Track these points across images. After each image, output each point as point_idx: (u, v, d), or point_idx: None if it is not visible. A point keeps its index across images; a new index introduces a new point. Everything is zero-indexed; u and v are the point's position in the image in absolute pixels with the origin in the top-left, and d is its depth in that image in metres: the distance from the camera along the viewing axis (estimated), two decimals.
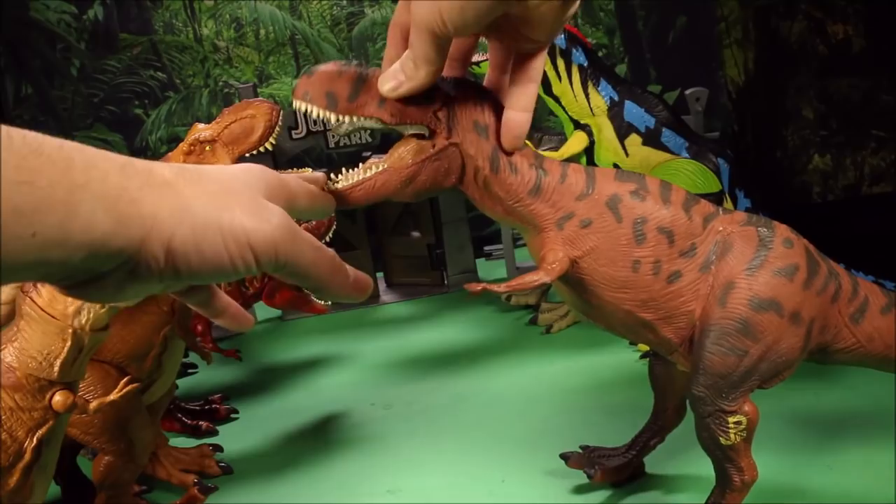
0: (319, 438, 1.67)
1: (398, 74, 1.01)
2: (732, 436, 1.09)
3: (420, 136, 1.07)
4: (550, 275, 1.07)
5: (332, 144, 2.26)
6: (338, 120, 1.05)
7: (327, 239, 1.98)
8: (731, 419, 1.09)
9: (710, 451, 1.13)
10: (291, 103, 2.36)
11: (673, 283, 1.09)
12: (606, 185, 1.10)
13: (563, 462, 1.37)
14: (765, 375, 1.10)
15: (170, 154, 1.43)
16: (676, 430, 1.32)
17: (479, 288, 1.05)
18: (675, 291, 1.10)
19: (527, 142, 1.12)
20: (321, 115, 1.06)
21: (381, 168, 1.07)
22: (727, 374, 1.08)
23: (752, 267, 1.08)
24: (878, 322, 1.14)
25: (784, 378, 1.13)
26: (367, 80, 1.05)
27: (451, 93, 1.08)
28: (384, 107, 1.04)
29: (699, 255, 1.10)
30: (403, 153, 1.07)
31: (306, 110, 1.05)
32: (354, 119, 1.05)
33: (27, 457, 1.06)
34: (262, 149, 1.43)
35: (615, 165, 1.81)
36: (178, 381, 1.66)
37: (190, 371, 2.05)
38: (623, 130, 1.81)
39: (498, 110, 1.09)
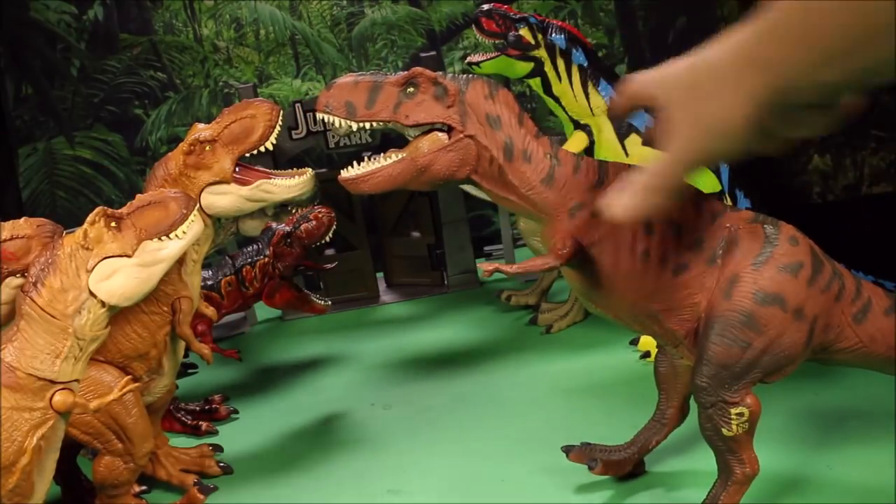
0: (319, 438, 1.67)
1: (623, 198, 0.97)
2: (734, 427, 1.11)
3: (441, 130, 1.14)
4: (560, 259, 1.11)
5: (331, 145, 2.26)
6: (360, 127, 1.13)
7: (327, 239, 1.99)
8: (733, 410, 1.10)
9: (713, 442, 1.14)
10: (291, 103, 2.37)
11: (679, 275, 1.12)
12: (618, 177, 1.13)
13: (563, 461, 1.37)
14: (767, 369, 1.11)
15: (170, 154, 1.43)
16: (678, 428, 1.32)
17: (492, 268, 1.10)
18: (682, 283, 1.12)
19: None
20: (343, 124, 1.13)
21: (398, 157, 1.14)
22: (730, 365, 1.09)
23: (757, 262, 1.10)
24: (880, 323, 1.14)
25: (786, 374, 1.14)
26: (381, 88, 1.14)
27: (463, 89, 1.14)
28: (399, 111, 1.13)
29: (706, 249, 1.12)
30: (421, 144, 1.13)
31: (329, 120, 1.13)
32: (374, 124, 1.14)
33: (27, 456, 1.06)
34: (262, 149, 1.43)
35: None
36: (178, 381, 1.66)
37: (190, 371, 2.05)
38: (623, 130, 1.81)
39: (510, 103, 1.15)
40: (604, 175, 1.14)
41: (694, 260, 1.11)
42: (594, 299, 1.19)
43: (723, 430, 1.11)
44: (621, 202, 0.97)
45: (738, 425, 1.11)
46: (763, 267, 1.09)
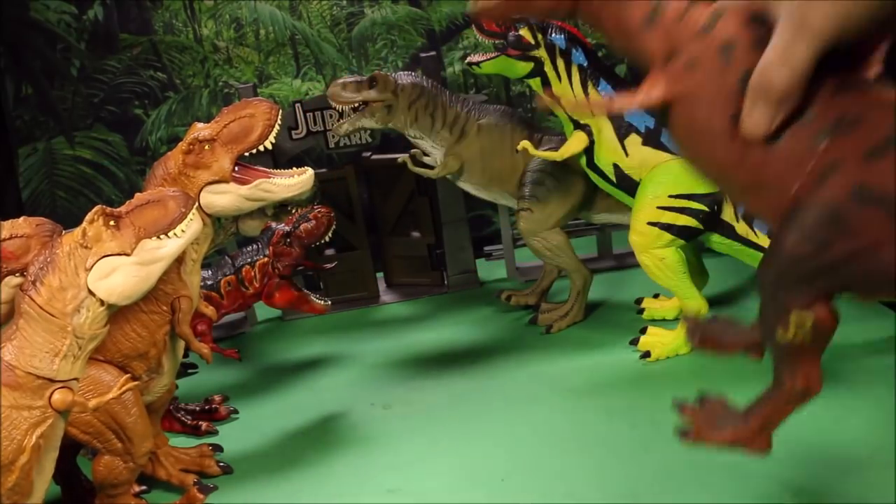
0: (319, 438, 1.67)
1: (752, 114, 0.89)
2: (792, 332, 0.93)
3: None
4: (646, 96, 0.99)
5: (331, 145, 2.26)
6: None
7: (327, 238, 1.99)
8: (792, 315, 0.93)
9: (768, 341, 0.98)
10: (291, 103, 2.36)
11: (770, 148, 0.92)
12: (729, 27, 0.97)
13: (564, 461, 1.37)
14: (850, 283, 0.91)
15: (169, 153, 1.43)
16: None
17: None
18: (772, 157, 0.92)
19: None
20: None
21: None
22: (798, 262, 0.91)
23: (874, 151, 0.87)
24: None
25: (882, 297, 0.95)
26: None
27: None
28: None
29: (812, 123, 0.91)
30: None
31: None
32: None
33: (26, 455, 1.06)
34: (261, 148, 1.43)
35: (615, 166, 1.81)
36: (178, 381, 1.66)
37: (190, 371, 2.05)
38: (623, 130, 1.81)
39: None
40: (714, 21, 0.97)
41: (793, 133, 0.92)
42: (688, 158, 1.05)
43: (777, 330, 0.94)
44: (751, 120, 0.88)
45: (796, 330, 0.93)
46: (879, 159, 0.86)
